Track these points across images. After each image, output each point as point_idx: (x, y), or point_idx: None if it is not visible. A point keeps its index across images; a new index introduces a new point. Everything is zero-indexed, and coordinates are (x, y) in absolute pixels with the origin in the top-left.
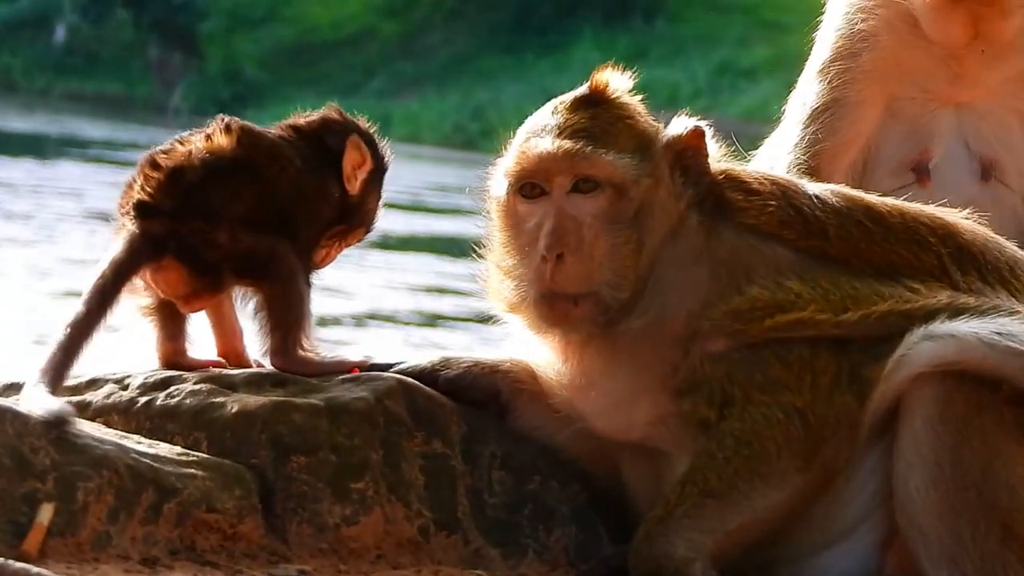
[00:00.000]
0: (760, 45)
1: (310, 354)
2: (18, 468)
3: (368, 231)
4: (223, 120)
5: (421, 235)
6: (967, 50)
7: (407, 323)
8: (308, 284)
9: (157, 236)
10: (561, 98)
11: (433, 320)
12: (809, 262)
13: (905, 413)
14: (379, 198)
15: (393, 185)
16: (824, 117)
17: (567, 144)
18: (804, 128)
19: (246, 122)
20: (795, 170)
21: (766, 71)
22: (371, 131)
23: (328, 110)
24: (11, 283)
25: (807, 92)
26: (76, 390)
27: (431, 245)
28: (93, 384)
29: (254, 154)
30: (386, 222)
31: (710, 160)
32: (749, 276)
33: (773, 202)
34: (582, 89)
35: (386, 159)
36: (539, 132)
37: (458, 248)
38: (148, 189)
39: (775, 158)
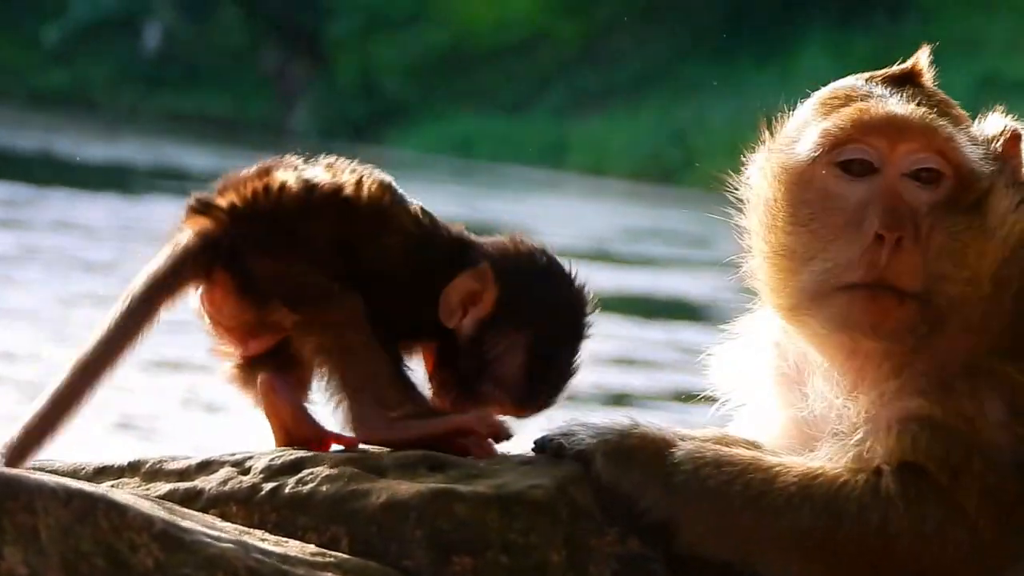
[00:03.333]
0: None
1: (396, 416)
2: (113, 570)
3: (508, 403)
4: (370, 173)
5: (606, 292)
6: None
7: (587, 401)
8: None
9: (210, 239)
10: (866, 74)
11: (620, 399)
12: None
13: None
14: (521, 369)
15: (571, 228)
16: None
17: (923, 114)
18: None
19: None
20: None
21: None
22: (547, 282)
23: (508, 238)
24: None
25: None
26: (184, 475)
27: (618, 305)
28: (206, 467)
29: (370, 205)
30: None
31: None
32: None
33: None
34: (902, 65)
35: (541, 317)
36: (872, 96)
37: (651, 308)
38: (229, 191)
39: None
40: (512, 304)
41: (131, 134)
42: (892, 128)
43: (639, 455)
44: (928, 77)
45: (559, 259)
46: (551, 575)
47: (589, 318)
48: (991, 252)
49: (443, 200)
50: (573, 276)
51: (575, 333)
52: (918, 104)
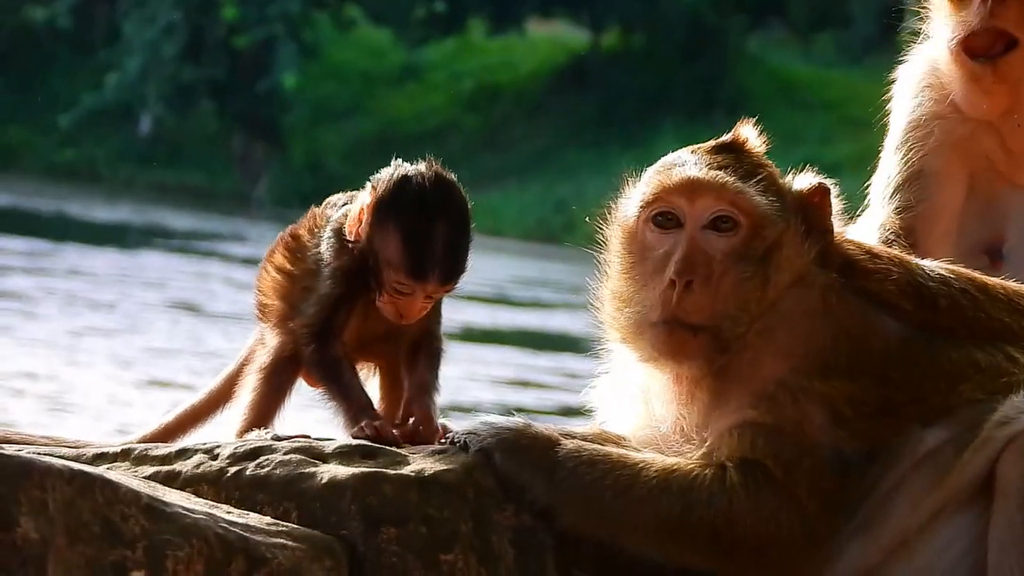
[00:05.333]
0: (843, 142)
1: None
2: (108, 536)
3: (402, 273)
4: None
5: (503, 328)
6: (1005, 123)
7: (489, 414)
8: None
9: None
10: (699, 145)
11: (515, 413)
12: (917, 339)
13: (1000, 492)
14: (396, 243)
15: (475, 278)
16: (909, 186)
17: (715, 174)
18: (890, 200)
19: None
20: (883, 240)
21: (849, 168)
22: (410, 182)
23: (393, 164)
24: (95, 373)
25: (889, 167)
26: (165, 460)
27: (513, 338)
28: (182, 454)
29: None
30: (469, 314)
31: (833, 219)
32: (864, 357)
33: (895, 271)
34: (724, 137)
35: (399, 200)
36: (682, 164)
37: (540, 341)
38: None
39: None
40: (385, 204)
41: (128, 201)
42: (688, 188)
43: (529, 453)
44: (750, 144)
45: (433, 167)
46: (461, 542)
47: (451, 204)
48: (768, 296)
49: None
50: (436, 176)
51: (437, 214)
52: (726, 167)
